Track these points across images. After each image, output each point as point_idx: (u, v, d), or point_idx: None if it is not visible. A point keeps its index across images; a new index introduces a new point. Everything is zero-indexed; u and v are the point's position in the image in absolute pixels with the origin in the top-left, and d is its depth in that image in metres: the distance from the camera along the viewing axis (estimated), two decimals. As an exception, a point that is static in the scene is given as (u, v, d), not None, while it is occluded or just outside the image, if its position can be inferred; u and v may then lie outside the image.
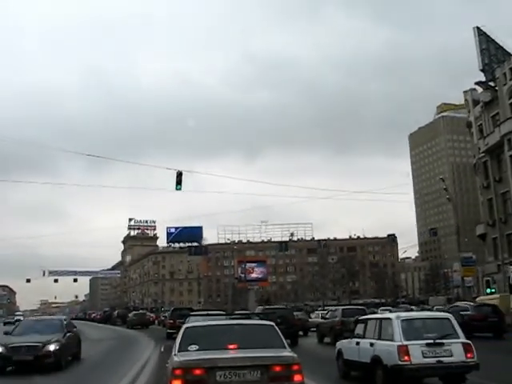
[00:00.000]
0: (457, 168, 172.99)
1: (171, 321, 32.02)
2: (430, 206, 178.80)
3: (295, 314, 33.01)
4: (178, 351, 8.47)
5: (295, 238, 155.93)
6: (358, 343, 13.01)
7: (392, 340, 11.43)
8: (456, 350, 11.16)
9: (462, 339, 11.47)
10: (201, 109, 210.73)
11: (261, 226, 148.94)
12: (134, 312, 60.64)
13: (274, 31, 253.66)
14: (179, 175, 27.90)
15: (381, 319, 12.77)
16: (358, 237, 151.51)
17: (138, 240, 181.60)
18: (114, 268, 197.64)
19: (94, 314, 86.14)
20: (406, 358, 10.98)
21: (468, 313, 26.33)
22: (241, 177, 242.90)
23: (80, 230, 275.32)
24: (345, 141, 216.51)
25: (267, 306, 40.88)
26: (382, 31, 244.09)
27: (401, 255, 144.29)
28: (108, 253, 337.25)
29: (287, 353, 8.32)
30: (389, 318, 12.27)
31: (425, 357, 11.04)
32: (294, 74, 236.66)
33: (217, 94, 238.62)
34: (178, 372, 7.82)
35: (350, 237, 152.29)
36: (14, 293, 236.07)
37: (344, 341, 14.37)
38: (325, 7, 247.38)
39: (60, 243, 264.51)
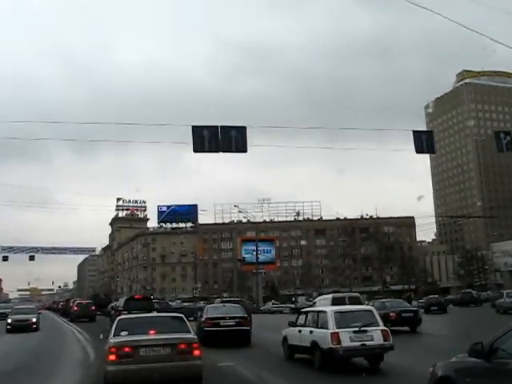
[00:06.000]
0: (481, 141, 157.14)
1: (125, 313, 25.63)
2: (450, 184, 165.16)
3: None
4: (113, 335, 11.61)
5: (301, 218, 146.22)
6: (300, 331, 16.43)
7: (326, 328, 14.77)
8: (376, 335, 14.57)
9: (381, 327, 14.96)
10: (185, 96, 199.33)
11: (262, 205, 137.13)
12: (78, 302, 53.88)
13: (259, 16, 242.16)
14: None
15: (318, 311, 16.36)
16: (371, 217, 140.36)
17: (127, 221, 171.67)
18: (104, 251, 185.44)
19: (61, 303, 78.82)
20: (337, 342, 14.31)
21: None
22: (230, 164, 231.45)
23: (67, 216, 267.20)
24: (338, 126, 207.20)
25: (225, 298, 48.55)
26: (371, 13, 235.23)
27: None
28: (97, 238, 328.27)
29: (189, 335, 11.70)
30: (324, 311, 15.73)
31: (352, 341, 14.31)
32: (281, 60, 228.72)
33: (201, 80, 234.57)
34: (113, 349, 11.03)
35: (362, 217, 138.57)
36: (0, 280, 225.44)
37: (288, 329, 17.71)
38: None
39: (45, 229, 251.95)
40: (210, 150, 18.27)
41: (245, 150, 18.51)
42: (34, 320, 32.17)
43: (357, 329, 14.37)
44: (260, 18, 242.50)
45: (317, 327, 15.37)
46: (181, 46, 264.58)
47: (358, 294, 28.79)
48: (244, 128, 18.48)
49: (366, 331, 14.40)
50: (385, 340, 14.51)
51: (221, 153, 18.17)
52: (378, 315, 15.46)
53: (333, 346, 14.17)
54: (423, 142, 20.47)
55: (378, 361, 14.76)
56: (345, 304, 22.73)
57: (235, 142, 18.27)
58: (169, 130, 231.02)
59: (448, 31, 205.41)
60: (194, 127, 17.91)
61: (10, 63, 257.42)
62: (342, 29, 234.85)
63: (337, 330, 14.34)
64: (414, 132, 20.57)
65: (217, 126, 18.19)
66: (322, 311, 15.95)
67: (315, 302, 27.30)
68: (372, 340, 14.36)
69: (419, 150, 20.40)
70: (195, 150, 18.07)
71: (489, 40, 18.91)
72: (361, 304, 23.74)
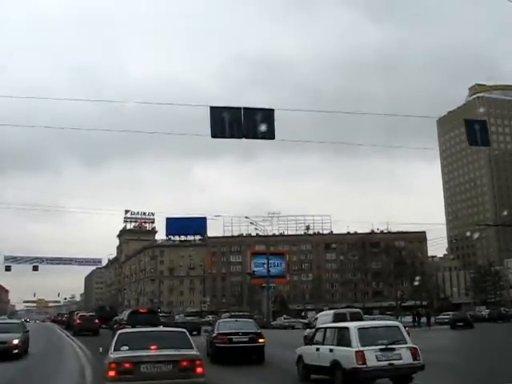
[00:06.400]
0: (494, 156, 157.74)
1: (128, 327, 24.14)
2: (463, 198, 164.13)
3: None
4: (114, 350, 11.21)
5: (311, 232, 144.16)
6: (318, 349, 14.81)
7: (349, 346, 13.20)
8: (405, 354, 13.04)
9: (409, 344, 13.36)
10: (194, 109, 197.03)
11: (272, 219, 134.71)
12: (80, 314, 51.13)
13: (268, 29, 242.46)
14: None
15: (339, 328, 14.69)
16: (382, 231, 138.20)
17: (135, 234, 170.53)
18: (111, 264, 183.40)
19: (66, 316, 73.75)
20: (363, 361, 12.77)
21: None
22: (237, 177, 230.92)
23: (74, 228, 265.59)
24: (345, 141, 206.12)
25: (233, 313, 48.13)
26: (380, 28, 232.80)
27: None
28: (104, 250, 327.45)
29: (192, 351, 11.23)
30: (347, 327, 14.08)
31: (378, 360, 12.81)
32: (291, 74, 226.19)
33: (211, 93, 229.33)
34: (113, 365, 10.59)
35: (373, 231, 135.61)
36: (7, 291, 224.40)
37: (303, 347, 16.72)
38: (321, 4, 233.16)
39: (52, 240, 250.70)
40: (232, 136, 15.70)
41: (272, 137, 15.83)
42: (16, 342, 22.67)
43: (383, 346, 12.96)
44: (270, 32, 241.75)
45: (338, 345, 13.85)
46: (191, 59, 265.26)
47: (359, 310, 28.98)
48: (271, 111, 15.89)
49: (393, 349, 12.99)
50: (414, 359, 13.04)
51: (243, 139, 15.55)
52: (406, 331, 14.05)
53: (357, 366, 12.70)
54: (476, 133, 17.75)
55: (405, 382, 13.35)
56: (346, 320, 22.09)
57: (260, 126, 15.60)
58: (178, 143, 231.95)
59: (458, 46, 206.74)
60: (212, 108, 15.37)
61: (23, 76, 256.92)
62: (351, 43, 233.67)
63: (361, 348, 12.87)
64: (467, 121, 18.05)
65: (239, 108, 15.58)
66: (343, 327, 14.47)
67: (317, 318, 27.37)
68: (400, 359, 12.93)
69: (472, 141, 17.87)
70: (214, 135, 15.47)
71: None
72: (362, 320, 23.19)
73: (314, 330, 24.65)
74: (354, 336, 13.20)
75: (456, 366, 18.67)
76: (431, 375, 14.05)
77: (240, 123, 15.49)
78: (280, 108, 15.75)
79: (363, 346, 12.90)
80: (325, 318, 25.08)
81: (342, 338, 13.74)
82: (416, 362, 13.00)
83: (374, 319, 29.39)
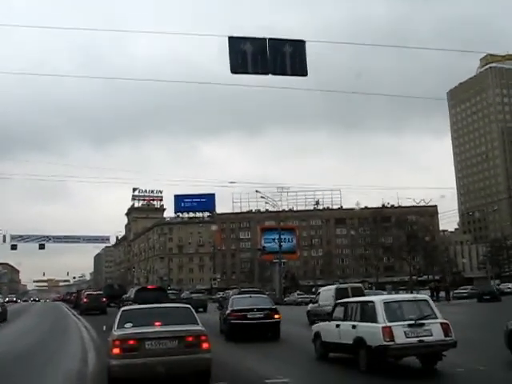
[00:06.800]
0: (507, 128, 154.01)
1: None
2: (474, 172, 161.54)
3: None
4: (117, 328, 10.92)
5: (320, 207, 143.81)
6: (338, 325, 13.74)
7: (375, 321, 12.17)
8: (435, 330, 11.98)
9: (440, 319, 12.29)
10: (199, 87, 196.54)
11: (281, 194, 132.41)
12: (88, 293, 49.54)
13: (272, 4, 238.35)
14: None
15: (362, 302, 13.65)
16: (393, 205, 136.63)
17: (143, 212, 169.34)
18: (119, 242, 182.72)
19: (74, 295, 72.48)
20: (390, 338, 11.73)
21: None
22: (246, 155, 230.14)
23: (82, 207, 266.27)
24: (352, 117, 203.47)
25: (243, 289, 44.84)
26: (387, 2, 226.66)
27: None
28: (113, 229, 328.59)
29: (197, 327, 10.96)
30: (371, 301, 13.06)
31: (407, 337, 11.78)
32: None
33: (215, 71, 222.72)
34: (117, 342, 10.27)
35: (383, 205, 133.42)
36: (17, 271, 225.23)
37: (321, 324, 15.38)
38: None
39: (61, 221, 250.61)
40: (255, 71, 13.22)
41: (304, 73, 13.27)
42: None
43: (412, 322, 11.93)
44: (273, 7, 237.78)
45: (361, 321, 12.84)
46: (193, 37, 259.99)
47: (360, 285, 29.18)
48: (302, 42, 13.31)
49: (422, 324, 11.97)
50: (446, 335, 12.00)
51: (270, 75, 12.96)
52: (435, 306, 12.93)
53: (385, 343, 11.69)
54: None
55: (435, 360, 12.31)
56: (348, 296, 21.43)
57: (290, 60, 13.01)
58: (186, 121, 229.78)
59: (466, 18, 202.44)
60: (230, 38, 12.89)
61: (27, 57, 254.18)
62: (356, 17, 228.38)
63: (389, 324, 11.85)
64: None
65: (264, 39, 13.01)
66: (367, 301, 13.45)
67: (319, 293, 28.30)
68: (431, 335, 11.91)
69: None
70: (234, 71, 13.05)
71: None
72: (363, 295, 22.42)
73: (316, 305, 26.99)
74: (381, 310, 12.22)
75: (488, 341, 17.03)
76: (463, 352, 12.87)
77: (265, 57, 12.99)
78: (311, 40, 13.03)
79: (390, 321, 11.94)
80: (327, 294, 26.49)
81: (367, 313, 12.75)
82: (448, 338, 12.01)
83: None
